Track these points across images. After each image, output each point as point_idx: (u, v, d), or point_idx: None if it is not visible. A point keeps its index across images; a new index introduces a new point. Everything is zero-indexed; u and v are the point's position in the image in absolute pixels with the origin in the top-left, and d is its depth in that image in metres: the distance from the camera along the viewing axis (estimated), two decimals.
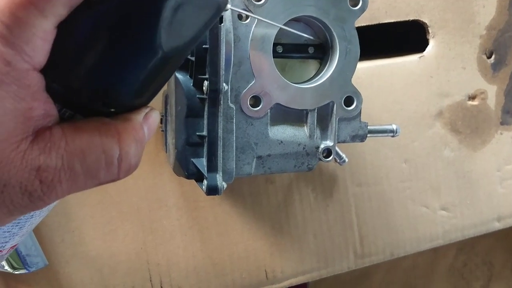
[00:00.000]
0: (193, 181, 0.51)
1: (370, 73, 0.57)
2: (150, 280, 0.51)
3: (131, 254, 0.51)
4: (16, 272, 0.45)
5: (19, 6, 0.23)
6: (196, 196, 0.52)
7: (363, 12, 0.44)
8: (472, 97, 0.61)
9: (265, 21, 0.41)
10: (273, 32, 0.42)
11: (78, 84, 0.26)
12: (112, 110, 0.29)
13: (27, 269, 0.45)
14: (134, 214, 0.50)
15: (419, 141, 0.59)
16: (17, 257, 0.44)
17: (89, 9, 0.25)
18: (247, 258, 0.54)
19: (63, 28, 0.25)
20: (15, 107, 0.25)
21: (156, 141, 0.50)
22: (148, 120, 0.31)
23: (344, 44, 0.44)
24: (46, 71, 0.25)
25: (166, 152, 0.48)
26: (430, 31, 0.58)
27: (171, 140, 0.44)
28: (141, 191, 0.50)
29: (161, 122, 0.49)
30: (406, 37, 0.60)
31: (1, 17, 0.23)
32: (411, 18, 0.57)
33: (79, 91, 0.27)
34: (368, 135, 0.47)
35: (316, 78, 0.45)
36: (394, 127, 0.48)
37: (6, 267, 0.44)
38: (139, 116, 0.30)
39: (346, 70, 0.44)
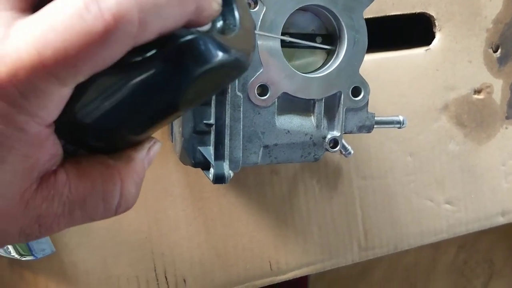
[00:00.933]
0: (198, 171, 0.51)
1: (376, 66, 0.56)
2: (155, 270, 0.51)
3: (136, 244, 0.51)
4: (23, 259, 0.45)
5: (38, 76, 0.22)
6: (202, 187, 0.52)
7: (372, 2, 0.43)
8: (478, 91, 0.61)
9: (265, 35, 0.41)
10: (282, 21, 0.42)
11: (87, 125, 0.26)
12: (117, 146, 0.29)
13: (34, 256, 0.45)
14: (139, 203, 0.50)
15: (424, 134, 0.59)
16: (24, 244, 0.44)
17: (112, 71, 0.24)
18: (251, 250, 0.54)
19: (80, 85, 0.24)
20: (23, 166, 0.24)
21: (162, 131, 0.50)
22: (150, 154, 0.31)
23: (352, 33, 0.44)
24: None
25: (172, 141, 0.48)
26: (436, 24, 0.58)
27: (177, 129, 0.44)
28: (146, 181, 0.50)
29: None
30: (412, 30, 0.60)
31: (18, 85, 0.22)
32: (418, 11, 0.57)
33: (86, 131, 0.26)
34: (375, 126, 0.46)
35: (324, 68, 0.45)
36: (401, 118, 0.48)
37: (13, 254, 0.44)
38: (142, 154, 0.30)
39: (354, 60, 0.44)
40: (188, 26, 0.25)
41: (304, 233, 0.55)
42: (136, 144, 0.30)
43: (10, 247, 0.44)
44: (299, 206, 0.55)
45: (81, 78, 0.23)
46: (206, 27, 0.26)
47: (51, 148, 0.25)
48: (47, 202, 0.26)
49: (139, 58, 0.24)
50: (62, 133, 0.26)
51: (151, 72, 0.24)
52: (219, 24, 0.27)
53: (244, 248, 0.54)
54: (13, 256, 0.44)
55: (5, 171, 0.24)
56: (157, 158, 0.51)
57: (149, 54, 0.24)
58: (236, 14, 0.28)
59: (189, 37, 0.24)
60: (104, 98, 0.25)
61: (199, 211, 0.52)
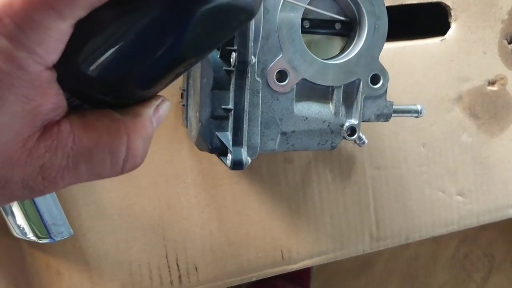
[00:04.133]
0: (211, 158, 0.50)
1: (391, 55, 0.56)
2: (166, 257, 0.51)
3: (148, 230, 0.50)
4: (40, 241, 0.44)
5: (35, 8, 0.21)
6: (215, 174, 0.51)
7: None
8: (491, 83, 0.60)
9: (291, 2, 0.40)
10: (303, 4, 0.41)
11: (91, 76, 0.25)
12: (123, 101, 0.28)
13: (52, 239, 0.44)
14: (152, 189, 0.50)
15: (437, 125, 0.58)
16: (42, 226, 0.43)
17: (112, 9, 0.23)
18: (263, 238, 0.53)
19: (80, 24, 0.23)
20: (24, 108, 0.23)
21: (176, 116, 0.49)
22: (158, 113, 0.30)
23: (372, 20, 0.43)
24: (58, 62, 0.24)
25: (187, 127, 0.47)
26: (452, 14, 0.58)
27: (193, 114, 0.44)
28: (159, 166, 0.50)
29: (181, 97, 0.48)
30: (427, 19, 0.60)
31: (15, 18, 0.21)
32: (434, 0, 0.57)
33: (90, 83, 0.26)
34: (393, 114, 0.46)
35: (343, 55, 0.44)
36: (419, 107, 0.47)
37: (31, 236, 0.44)
38: (149, 110, 0.29)
39: (374, 47, 0.44)
40: None
41: (316, 223, 0.55)
42: (143, 101, 0.29)
43: (28, 230, 0.43)
44: (312, 195, 0.55)
45: (79, 11, 0.22)
46: None
47: (53, 97, 0.25)
48: (50, 152, 0.25)
49: None
50: (66, 85, 0.25)
51: (151, 10, 0.24)
52: None
53: (256, 236, 0.53)
54: (29, 238, 0.44)
55: (4, 112, 0.23)
56: (170, 144, 0.50)
57: None
58: None
59: None
60: (104, 43, 0.24)
61: (212, 198, 0.52)
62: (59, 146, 0.25)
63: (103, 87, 0.27)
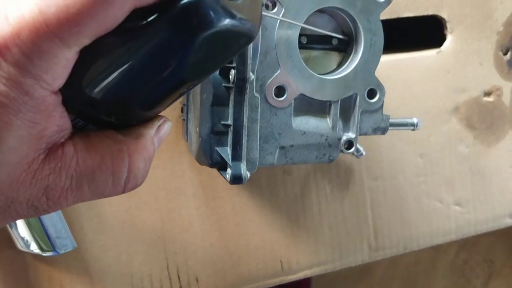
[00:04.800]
0: (211, 171, 0.51)
1: (388, 67, 0.57)
2: (167, 269, 0.52)
3: (149, 243, 0.51)
4: (44, 254, 0.45)
5: (42, 37, 0.22)
6: (215, 186, 0.52)
7: (389, 4, 0.44)
8: (487, 93, 0.61)
9: (287, 21, 0.41)
10: (300, 22, 0.42)
11: (95, 98, 0.26)
12: (126, 122, 0.29)
13: (56, 251, 0.45)
14: (153, 203, 0.50)
15: (434, 136, 0.59)
16: (47, 239, 0.44)
17: (117, 36, 0.24)
18: (263, 249, 0.54)
19: (85, 49, 0.24)
20: (30, 132, 0.24)
21: (176, 130, 0.50)
22: (160, 133, 0.31)
23: (369, 36, 0.44)
24: (64, 85, 0.25)
25: (187, 140, 0.48)
26: (448, 26, 0.58)
27: (194, 129, 0.44)
28: (160, 180, 0.50)
29: (182, 111, 0.49)
30: (423, 32, 0.60)
31: (22, 46, 0.22)
32: (430, 13, 0.58)
33: (95, 105, 0.27)
34: (389, 128, 0.47)
35: (340, 70, 0.45)
36: (415, 120, 0.48)
37: (34, 249, 0.44)
38: (151, 131, 0.30)
39: (370, 62, 0.45)
40: None
41: (315, 233, 0.56)
42: (145, 121, 0.30)
43: (32, 242, 0.44)
44: (311, 206, 0.55)
45: (84, 40, 0.23)
46: None
47: (58, 119, 0.25)
48: (55, 174, 0.26)
49: (141, 22, 0.24)
50: (71, 107, 0.26)
51: (154, 36, 0.24)
52: None
53: (256, 247, 0.54)
54: (33, 251, 0.44)
55: (11, 136, 0.24)
56: (170, 158, 0.51)
57: (151, 17, 0.24)
58: None
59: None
60: (109, 66, 0.25)
61: (212, 211, 0.52)
62: (62, 168, 0.26)
63: (107, 109, 0.27)
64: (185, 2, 0.24)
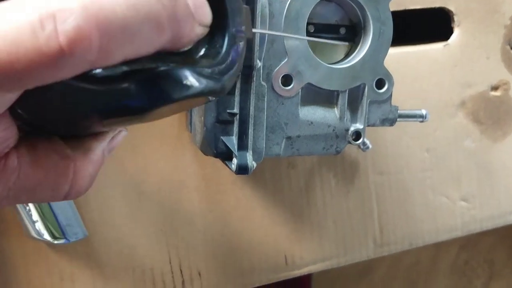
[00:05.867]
0: (215, 163, 0.50)
1: (394, 60, 0.56)
2: (170, 263, 0.50)
3: (151, 236, 0.50)
4: (55, 242, 0.44)
5: None
6: (218, 179, 0.51)
7: None
8: (494, 88, 0.60)
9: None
10: (308, 11, 0.41)
11: (42, 117, 0.25)
12: (77, 134, 0.28)
13: (67, 239, 0.44)
14: (155, 195, 0.49)
15: (441, 130, 0.58)
16: (58, 227, 0.43)
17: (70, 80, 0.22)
18: (266, 243, 0.53)
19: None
20: None
21: (180, 122, 0.49)
22: (112, 143, 0.29)
23: (377, 25, 0.43)
24: None
25: (191, 132, 0.47)
26: (455, 19, 0.58)
27: (198, 118, 0.43)
28: (162, 172, 0.49)
29: None
30: (430, 25, 0.60)
31: None
32: (437, 6, 0.57)
33: (43, 121, 0.25)
34: (398, 119, 0.46)
35: (348, 59, 0.44)
36: (423, 112, 0.47)
37: (46, 236, 0.44)
38: (103, 143, 0.29)
39: (379, 52, 0.44)
40: (163, 50, 0.23)
41: (320, 228, 0.55)
42: (98, 133, 0.29)
43: (44, 230, 0.43)
44: (315, 201, 0.54)
45: (28, 87, 0.21)
46: (186, 48, 0.24)
47: (4, 131, 0.24)
48: None
49: (105, 74, 0.22)
50: (17, 115, 0.24)
51: (119, 91, 0.23)
52: (203, 47, 0.26)
53: (259, 242, 0.53)
54: (45, 239, 0.44)
55: None
56: (173, 150, 0.50)
57: (119, 71, 0.23)
58: (226, 38, 0.26)
59: (165, 68, 0.23)
60: (60, 101, 0.23)
61: (215, 204, 0.51)
62: (0, 181, 0.25)
63: (54, 124, 0.26)
64: (158, 71, 0.23)
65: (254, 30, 0.37)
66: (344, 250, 0.56)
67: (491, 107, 0.60)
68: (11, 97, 0.22)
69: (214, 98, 0.27)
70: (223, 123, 0.41)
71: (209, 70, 0.25)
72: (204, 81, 0.24)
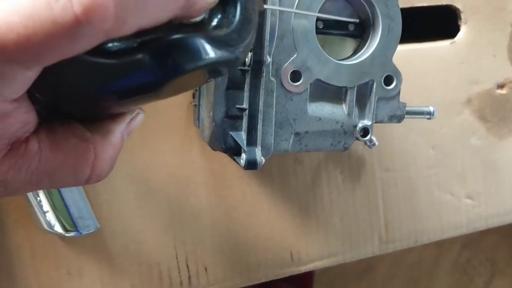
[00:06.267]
0: (222, 159, 0.50)
1: (401, 57, 0.55)
2: (176, 258, 0.51)
3: (158, 231, 0.50)
4: (67, 235, 0.44)
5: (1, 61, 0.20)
6: (225, 175, 0.51)
7: None
8: (500, 86, 0.60)
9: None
10: (318, 5, 0.41)
11: (62, 96, 0.25)
12: (95, 117, 0.28)
13: (79, 232, 0.44)
14: (162, 190, 0.50)
15: (447, 127, 0.58)
16: (70, 219, 0.43)
17: (86, 56, 0.22)
18: (273, 239, 0.53)
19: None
20: None
21: (187, 116, 0.49)
22: (131, 126, 0.30)
23: (387, 21, 0.43)
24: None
25: (198, 127, 0.47)
26: (462, 16, 0.58)
27: (206, 114, 0.44)
28: (169, 167, 0.50)
29: (193, 97, 0.48)
30: (437, 22, 0.60)
31: None
32: (444, 3, 0.57)
33: (61, 103, 0.26)
34: (405, 116, 0.46)
35: (357, 56, 0.44)
36: (431, 109, 0.47)
37: (58, 228, 0.44)
38: (122, 126, 0.29)
39: (388, 49, 0.44)
40: (176, 19, 0.23)
41: (326, 224, 0.55)
42: (116, 115, 0.29)
43: (56, 222, 0.43)
44: (322, 197, 0.55)
45: (47, 63, 0.21)
46: (198, 18, 0.24)
47: (22, 116, 0.24)
48: (14, 170, 0.25)
49: (119, 47, 0.22)
50: (35, 99, 0.25)
51: (133, 64, 0.23)
52: (216, 16, 0.25)
53: (266, 238, 0.53)
54: (57, 231, 0.44)
55: None
56: (181, 145, 0.50)
57: (132, 44, 0.22)
58: (238, 4, 0.26)
59: (178, 35, 0.23)
60: (79, 79, 0.23)
61: (222, 199, 0.51)
62: (23, 165, 0.25)
63: (73, 106, 0.26)
64: (172, 39, 0.23)
65: (265, 6, 0.37)
66: (350, 246, 0.56)
67: (497, 105, 0.60)
68: (30, 76, 0.22)
69: (225, 72, 0.27)
70: (232, 118, 0.41)
71: (223, 40, 0.24)
72: (219, 51, 0.24)
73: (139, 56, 0.22)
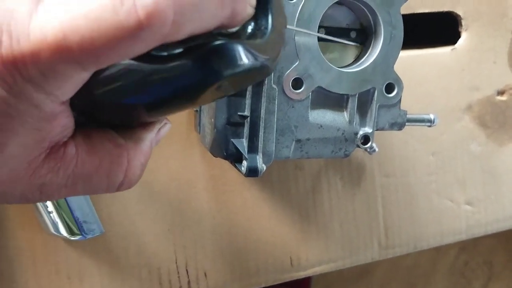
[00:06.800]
0: (223, 164, 0.50)
1: (402, 63, 0.55)
2: (176, 262, 0.51)
3: (158, 235, 0.50)
4: (72, 238, 0.44)
5: (62, 61, 0.21)
6: (226, 180, 0.51)
7: None
8: (501, 92, 0.60)
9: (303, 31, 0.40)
10: (320, 14, 0.41)
11: (103, 102, 0.26)
12: (129, 124, 0.29)
13: (83, 236, 0.44)
14: (163, 194, 0.50)
15: (447, 134, 0.59)
16: (75, 223, 0.44)
17: (135, 62, 0.23)
18: (273, 244, 0.53)
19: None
20: (35, 138, 0.24)
21: (188, 122, 0.49)
22: (159, 135, 0.31)
23: (389, 29, 0.43)
24: None
25: (199, 132, 0.47)
26: (463, 23, 0.58)
27: (208, 120, 0.44)
28: (171, 171, 0.50)
29: None
30: (437, 28, 0.60)
31: (40, 65, 0.21)
32: (446, 10, 0.57)
33: (102, 108, 0.26)
34: (406, 123, 0.46)
35: (358, 63, 0.44)
36: (432, 116, 0.47)
37: (63, 232, 0.44)
38: (152, 134, 0.30)
39: (389, 56, 0.44)
40: (219, 28, 0.24)
41: (326, 230, 0.55)
42: (147, 124, 0.30)
43: (61, 226, 0.44)
44: (322, 202, 0.55)
45: (103, 66, 0.22)
46: (235, 28, 0.25)
47: (63, 120, 0.25)
48: (52, 173, 0.26)
49: (165, 53, 0.23)
50: (76, 106, 0.26)
51: (177, 68, 0.24)
52: (250, 27, 0.26)
53: (266, 243, 0.53)
54: (62, 235, 0.44)
55: (16, 144, 0.24)
56: (182, 149, 0.50)
57: (177, 51, 0.24)
58: (270, 17, 0.27)
59: (220, 42, 0.24)
60: (124, 84, 0.24)
61: (223, 204, 0.52)
62: (61, 168, 0.26)
63: (112, 112, 0.27)
64: (215, 45, 0.24)
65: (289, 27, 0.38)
66: (350, 252, 0.56)
67: (497, 112, 0.60)
68: (84, 77, 0.23)
69: (258, 80, 0.28)
70: (233, 125, 0.41)
71: (258, 49, 0.25)
72: (254, 59, 0.25)
73: (183, 61, 0.24)
